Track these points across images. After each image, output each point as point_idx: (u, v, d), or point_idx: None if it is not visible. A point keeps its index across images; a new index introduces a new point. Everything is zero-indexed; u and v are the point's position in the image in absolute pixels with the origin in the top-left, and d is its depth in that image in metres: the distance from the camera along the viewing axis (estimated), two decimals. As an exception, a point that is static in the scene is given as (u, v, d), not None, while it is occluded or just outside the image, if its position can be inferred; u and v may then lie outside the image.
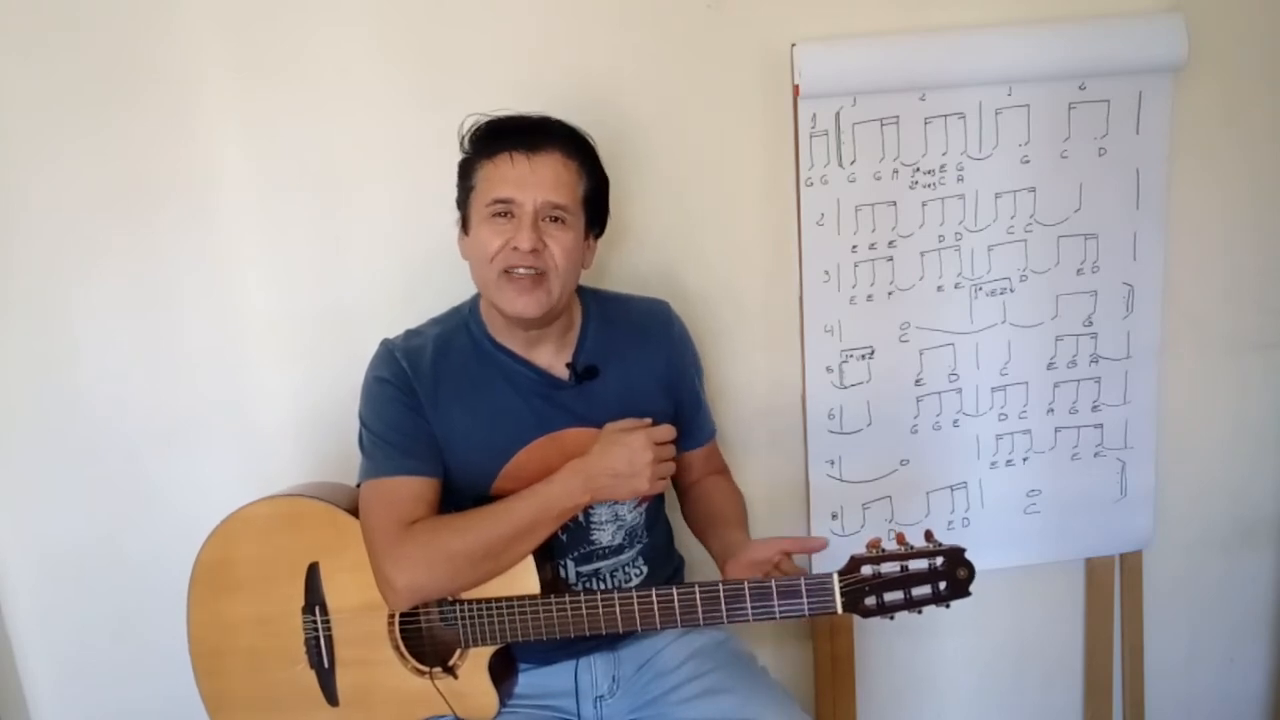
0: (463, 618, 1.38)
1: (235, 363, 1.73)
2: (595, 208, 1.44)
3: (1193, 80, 1.74)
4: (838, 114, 1.66)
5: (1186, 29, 1.66)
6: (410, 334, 1.48)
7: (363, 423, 1.44)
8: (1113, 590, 1.97)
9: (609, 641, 1.48)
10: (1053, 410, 1.84)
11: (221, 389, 1.73)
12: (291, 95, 1.63)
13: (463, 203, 1.43)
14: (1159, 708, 2.04)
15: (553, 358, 1.46)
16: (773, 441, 1.84)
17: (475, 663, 1.41)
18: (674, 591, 1.32)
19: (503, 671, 1.44)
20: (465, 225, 1.43)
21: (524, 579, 1.37)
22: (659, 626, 1.35)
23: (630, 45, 1.67)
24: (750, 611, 1.30)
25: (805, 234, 1.71)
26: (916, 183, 1.71)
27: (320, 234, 1.69)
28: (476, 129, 1.41)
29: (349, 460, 1.46)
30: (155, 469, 1.75)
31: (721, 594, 1.31)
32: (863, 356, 1.78)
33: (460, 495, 1.42)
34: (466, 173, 1.41)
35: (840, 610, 1.28)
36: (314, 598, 1.43)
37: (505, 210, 1.36)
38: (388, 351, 1.44)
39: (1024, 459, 1.86)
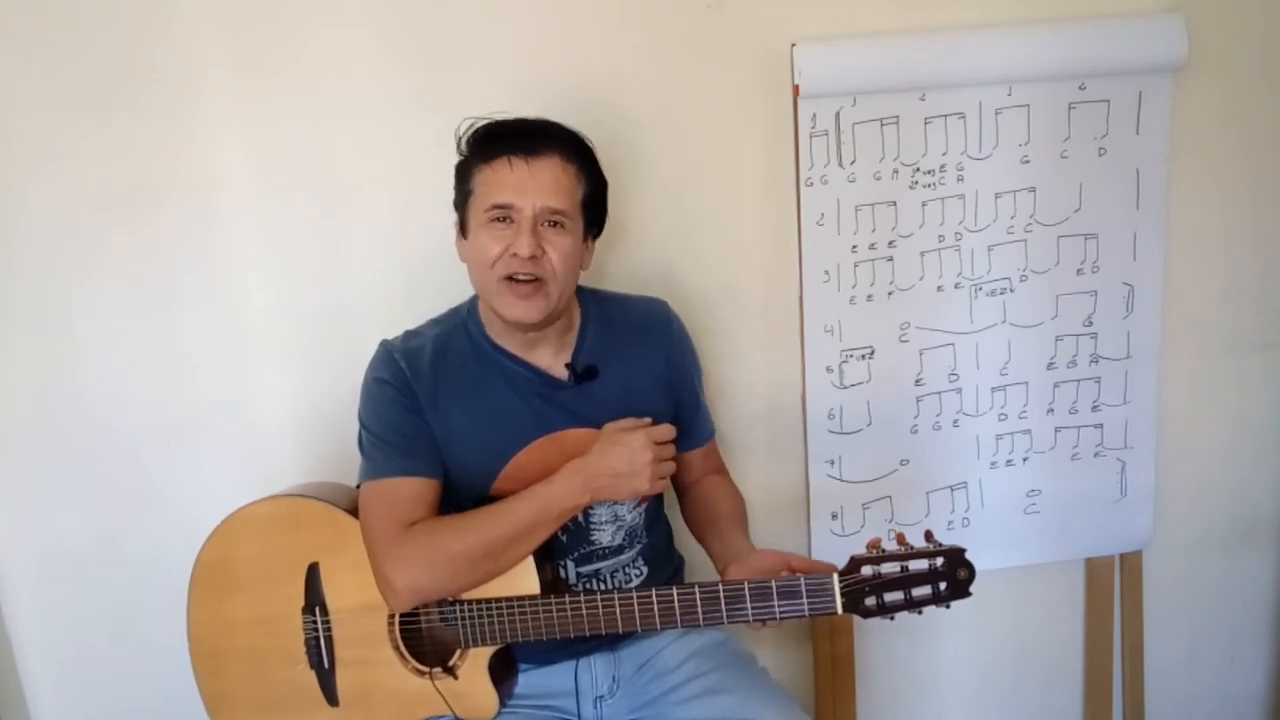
0: (463, 618, 1.38)
1: (235, 363, 1.73)
2: (594, 210, 1.44)
3: (1193, 80, 1.74)
4: (838, 114, 1.66)
5: (1186, 29, 1.66)
6: (409, 335, 1.48)
7: (362, 424, 1.44)
8: (1113, 590, 1.97)
9: (609, 642, 1.48)
10: (1053, 410, 1.84)
11: (221, 389, 1.73)
12: (291, 95, 1.63)
13: (460, 205, 1.42)
14: (1159, 708, 2.04)
15: (552, 358, 1.46)
16: (773, 441, 1.84)
17: (475, 663, 1.41)
18: (674, 592, 1.32)
19: (503, 672, 1.44)
20: (463, 228, 1.43)
21: (524, 579, 1.37)
22: (659, 627, 1.35)
23: (630, 45, 1.67)
24: (750, 612, 1.30)
25: (805, 234, 1.71)
26: (916, 183, 1.71)
27: (320, 234, 1.69)
28: (474, 132, 1.40)
29: (349, 460, 1.46)
30: (155, 469, 1.75)
31: (721, 594, 1.31)
32: (863, 356, 1.78)
33: (460, 496, 1.42)
34: (464, 176, 1.41)
35: (840, 611, 1.28)
36: (314, 598, 1.43)
37: (504, 215, 1.36)
38: (386, 353, 1.44)
39: (1024, 459, 1.86)
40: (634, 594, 1.34)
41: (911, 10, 1.68)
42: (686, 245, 1.75)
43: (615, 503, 1.46)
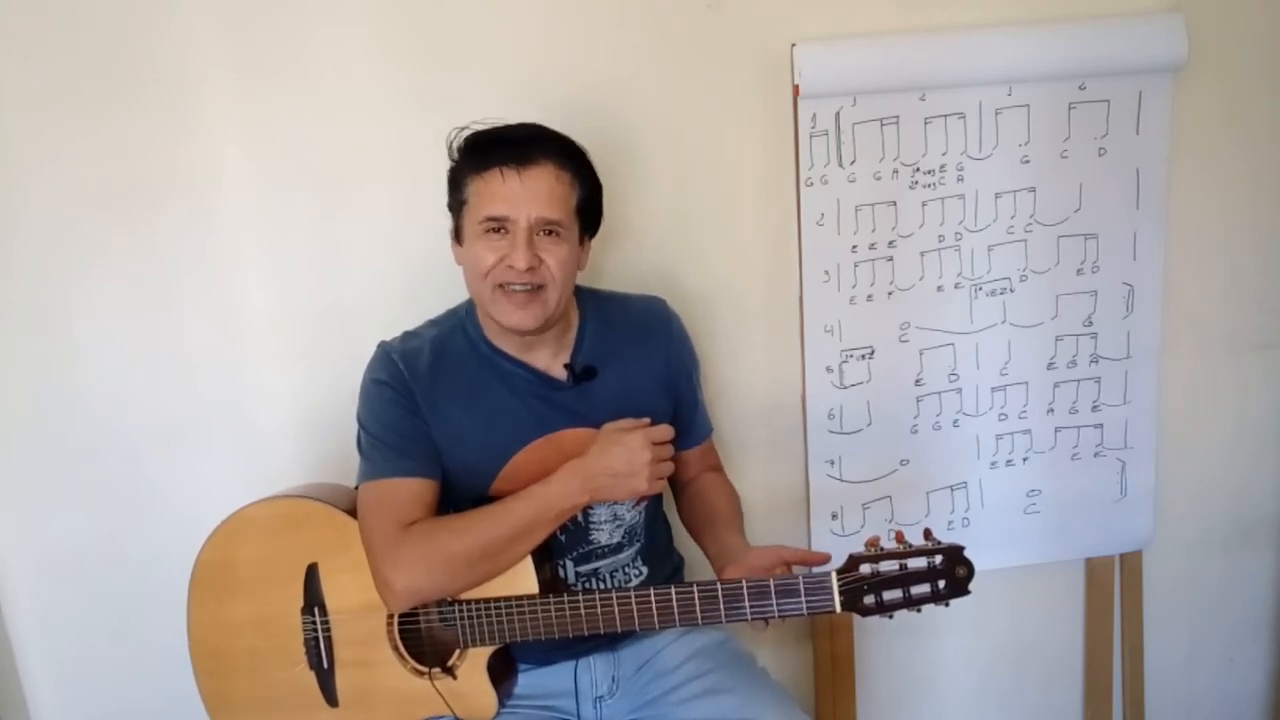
0: (462, 618, 1.38)
1: (235, 363, 1.73)
2: (589, 214, 1.43)
3: (1193, 80, 1.74)
4: (838, 114, 1.66)
5: (1186, 29, 1.66)
6: (407, 336, 1.48)
7: (361, 425, 1.44)
8: (1113, 590, 1.97)
9: (609, 642, 1.48)
10: (1053, 410, 1.84)
11: (221, 389, 1.73)
12: (291, 95, 1.63)
13: (455, 211, 1.42)
14: (1159, 708, 2.04)
15: (550, 359, 1.46)
16: (773, 441, 1.84)
17: (474, 663, 1.41)
18: (672, 591, 1.32)
19: (502, 672, 1.44)
20: (458, 234, 1.42)
21: (523, 579, 1.37)
22: (657, 626, 1.35)
23: (630, 45, 1.67)
24: (749, 610, 1.29)
25: (805, 234, 1.71)
26: (916, 183, 1.71)
27: (320, 234, 1.69)
28: (466, 141, 1.39)
29: (349, 460, 1.46)
30: (155, 469, 1.75)
31: (720, 593, 1.30)
32: (863, 356, 1.78)
33: (459, 497, 1.42)
34: (457, 184, 1.40)
35: (839, 609, 1.27)
36: (313, 598, 1.43)
37: (498, 226, 1.35)
38: (384, 354, 1.44)
39: (1024, 459, 1.86)
40: (632, 593, 1.34)
41: (911, 10, 1.68)
42: (686, 245, 1.75)
43: (614, 502, 1.46)
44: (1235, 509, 1.99)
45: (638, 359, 1.49)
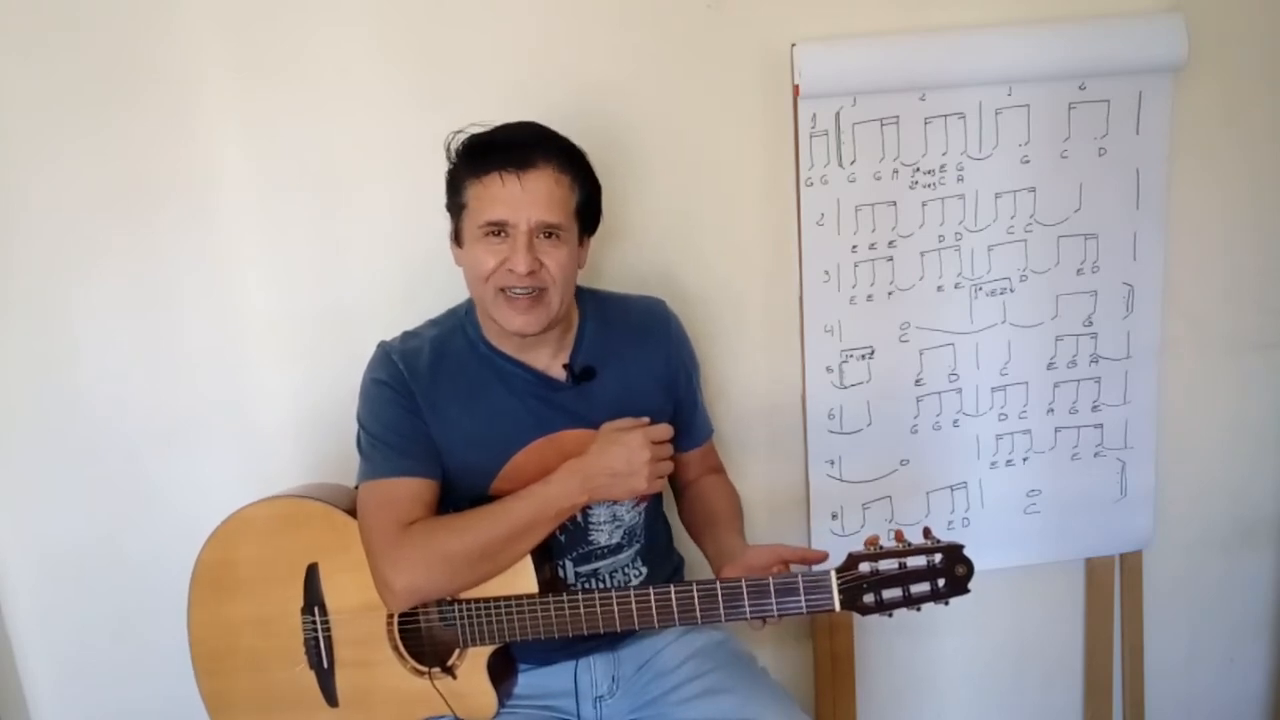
0: (461, 618, 1.38)
1: (235, 363, 1.73)
2: (588, 214, 1.43)
3: (1193, 80, 1.74)
4: (838, 114, 1.66)
5: (1186, 29, 1.66)
6: (407, 336, 1.48)
7: (360, 425, 1.44)
8: (1113, 590, 1.97)
9: (609, 641, 1.48)
10: (1053, 410, 1.84)
11: (221, 389, 1.73)
12: (291, 95, 1.63)
13: (454, 214, 1.41)
14: (1159, 708, 2.04)
15: (550, 359, 1.46)
16: (773, 441, 1.84)
17: (474, 663, 1.41)
18: (672, 590, 1.32)
19: (502, 671, 1.44)
20: (458, 237, 1.42)
21: (522, 579, 1.37)
22: (657, 626, 1.35)
23: (630, 45, 1.67)
24: (748, 609, 1.29)
25: (805, 234, 1.71)
26: (916, 183, 1.71)
27: (320, 234, 1.69)
28: (464, 144, 1.39)
29: (349, 460, 1.46)
30: (155, 469, 1.76)
31: (719, 592, 1.30)
32: (863, 356, 1.78)
33: (458, 496, 1.42)
34: (455, 187, 1.39)
35: (838, 608, 1.27)
36: (313, 598, 1.43)
37: (498, 230, 1.35)
38: (384, 354, 1.44)
39: (1024, 459, 1.86)
40: (632, 593, 1.34)
41: (911, 10, 1.68)
42: (686, 245, 1.75)
43: (614, 502, 1.46)
44: (1235, 509, 1.99)
45: (637, 359, 1.49)
